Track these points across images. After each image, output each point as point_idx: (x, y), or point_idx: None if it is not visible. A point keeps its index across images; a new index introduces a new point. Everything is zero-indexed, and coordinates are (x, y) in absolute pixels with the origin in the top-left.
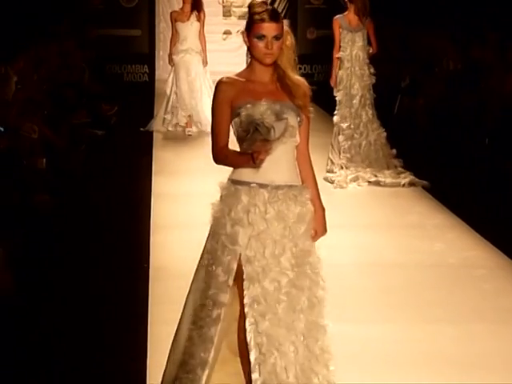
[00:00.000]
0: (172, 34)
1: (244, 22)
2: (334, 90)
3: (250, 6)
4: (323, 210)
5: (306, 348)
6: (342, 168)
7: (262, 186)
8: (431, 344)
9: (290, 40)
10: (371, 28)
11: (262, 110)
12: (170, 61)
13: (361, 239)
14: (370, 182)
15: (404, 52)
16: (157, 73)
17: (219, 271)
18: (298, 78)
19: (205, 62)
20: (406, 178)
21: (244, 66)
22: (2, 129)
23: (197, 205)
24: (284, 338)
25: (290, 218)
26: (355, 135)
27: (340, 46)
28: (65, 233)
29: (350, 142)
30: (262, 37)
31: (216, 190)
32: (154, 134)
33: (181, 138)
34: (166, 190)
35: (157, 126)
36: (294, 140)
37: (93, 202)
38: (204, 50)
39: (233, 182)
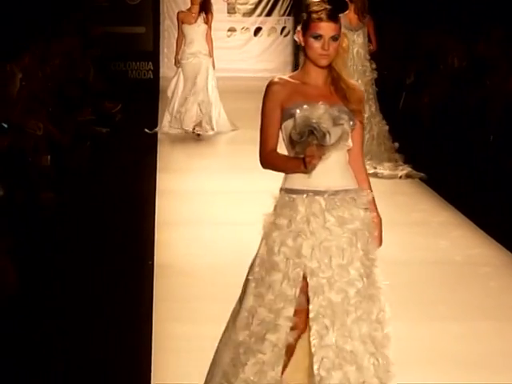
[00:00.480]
0: (178, 36)
1: (248, 19)
2: None
3: (308, 4)
4: (380, 219)
5: (381, 360)
6: None
7: (317, 193)
8: (435, 342)
9: (346, 42)
10: (371, 26)
11: (320, 113)
12: (177, 63)
13: None
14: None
15: (409, 49)
16: (161, 70)
17: (285, 286)
18: (352, 83)
19: (213, 65)
20: (404, 170)
21: (248, 63)
22: (6, 125)
23: (201, 202)
24: (359, 350)
25: (356, 223)
26: None
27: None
28: (69, 230)
29: None
30: (318, 37)
31: (221, 188)
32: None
33: (186, 135)
34: (171, 188)
35: (164, 128)
36: (347, 144)
37: (97, 199)
38: (211, 53)
39: (286, 191)
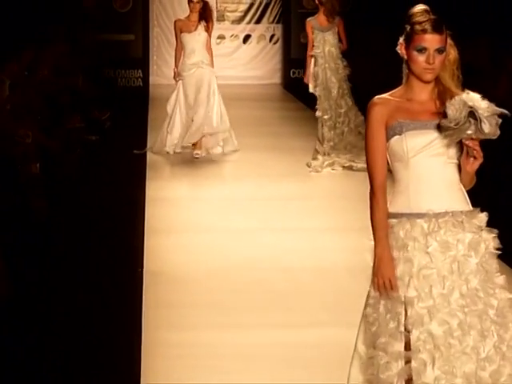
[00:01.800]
0: (176, 46)
1: (237, 27)
2: (310, 87)
3: (411, 15)
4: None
5: None
6: (324, 154)
7: (419, 215)
8: None
9: (453, 54)
10: (341, 27)
11: (477, 97)
12: (176, 76)
13: (353, 242)
14: (344, 166)
15: (397, 57)
16: (151, 78)
17: (387, 317)
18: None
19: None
20: None
21: (237, 71)
22: None
23: (191, 209)
24: None
25: (459, 248)
26: (337, 124)
27: (313, 45)
28: (58, 237)
29: (333, 132)
30: (422, 49)
31: (210, 195)
32: (149, 139)
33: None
34: (160, 195)
35: (157, 147)
36: (454, 162)
37: (87, 206)
38: (211, 63)
39: (388, 216)
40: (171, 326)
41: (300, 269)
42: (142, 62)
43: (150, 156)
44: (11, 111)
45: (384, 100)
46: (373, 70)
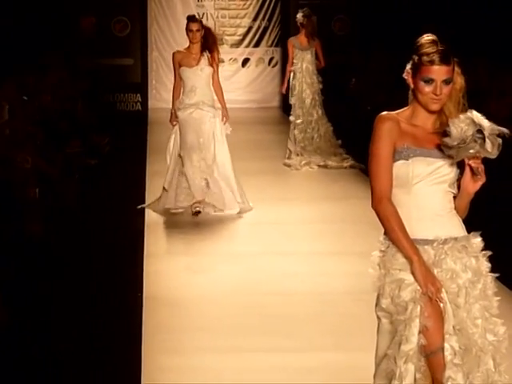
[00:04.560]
0: (175, 83)
1: (236, 50)
2: (290, 99)
3: (419, 45)
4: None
5: None
6: (297, 155)
7: (426, 242)
8: None
9: (459, 81)
10: (319, 47)
11: (480, 117)
12: (173, 118)
13: (353, 266)
14: (319, 165)
15: (398, 80)
16: (149, 102)
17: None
18: None
19: (226, 117)
20: (348, 162)
21: (236, 94)
22: None
23: (190, 233)
24: None
25: (468, 275)
26: (308, 130)
27: (293, 62)
28: (57, 262)
29: (303, 135)
30: (429, 80)
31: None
32: (148, 164)
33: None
34: (159, 219)
35: (167, 203)
36: (452, 191)
37: (86, 231)
38: (223, 103)
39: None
40: (171, 350)
41: (300, 293)
42: (141, 86)
43: (149, 180)
44: (10, 136)
45: (394, 118)
46: (372, 90)
